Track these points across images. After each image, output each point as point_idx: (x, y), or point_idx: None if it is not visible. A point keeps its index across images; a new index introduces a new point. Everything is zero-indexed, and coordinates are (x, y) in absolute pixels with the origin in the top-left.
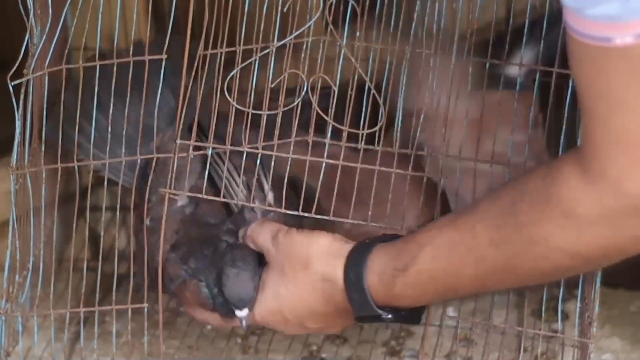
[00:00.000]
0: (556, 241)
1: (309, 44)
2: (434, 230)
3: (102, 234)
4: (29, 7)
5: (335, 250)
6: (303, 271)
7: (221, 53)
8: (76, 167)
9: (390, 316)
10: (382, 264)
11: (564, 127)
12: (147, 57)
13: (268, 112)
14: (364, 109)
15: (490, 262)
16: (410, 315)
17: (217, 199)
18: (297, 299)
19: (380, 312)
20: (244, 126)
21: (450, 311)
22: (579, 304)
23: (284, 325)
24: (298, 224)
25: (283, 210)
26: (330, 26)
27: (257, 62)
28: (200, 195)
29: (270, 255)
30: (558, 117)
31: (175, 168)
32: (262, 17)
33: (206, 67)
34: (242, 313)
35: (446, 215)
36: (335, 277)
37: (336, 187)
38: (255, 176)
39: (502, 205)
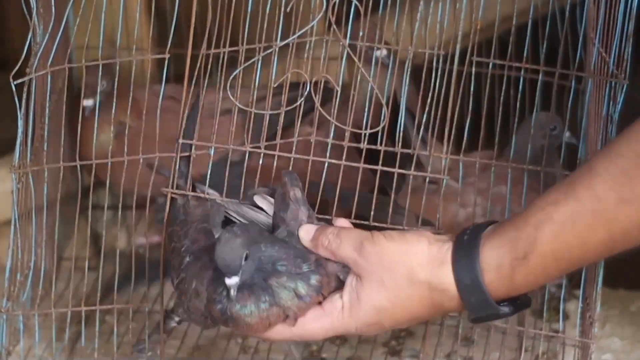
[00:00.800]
0: None
1: (312, 44)
2: (548, 207)
3: (103, 233)
4: (32, 7)
5: (436, 255)
6: (408, 283)
7: (224, 53)
8: (78, 167)
9: (508, 310)
10: (498, 257)
11: (566, 127)
12: (150, 56)
13: (271, 112)
14: (365, 110)
15: (623, 221)
16: (525, 301)
17: (220, 198)
18: (403, 311)
19: (501, 308)
20: (246, 125)
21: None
22: (580, 304)
23: (376, 331)
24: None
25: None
26: (333, 26)
27: (259, 62)
28: (202, 195)
29: (359, 267)
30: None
31: (177, 168)
32: (265, 17)
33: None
34: (230, 281)
35: (553, 189)
36: (445, 285)
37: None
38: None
39: (624, 162)
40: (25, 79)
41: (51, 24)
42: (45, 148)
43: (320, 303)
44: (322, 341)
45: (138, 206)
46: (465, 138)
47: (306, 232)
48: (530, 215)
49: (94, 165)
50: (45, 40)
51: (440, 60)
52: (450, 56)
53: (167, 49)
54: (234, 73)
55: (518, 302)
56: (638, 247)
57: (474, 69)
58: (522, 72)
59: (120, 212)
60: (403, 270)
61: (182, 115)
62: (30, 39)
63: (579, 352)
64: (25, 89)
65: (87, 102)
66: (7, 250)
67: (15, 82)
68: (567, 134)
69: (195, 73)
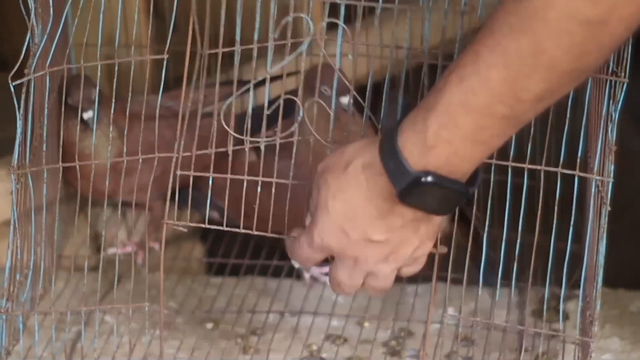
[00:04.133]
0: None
1: (308, 44)
2: (454, 64)
3: (103, 232)
4: (30, 7)
5: (371, 141)
6: (344, 171)
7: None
8: (77, 166)
9: (430, 178)
10: (412, 116)
11: (566, 125)
12: (148, 57)
13: (268, 112)
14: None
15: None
16: (455, 183)
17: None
18: (347, 202)
19: (418, 173)
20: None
21: (451, 310)
22: (580, 303)
23: (349, 245)
24: None
25: None
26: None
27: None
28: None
29: (314, 198)
30: (558, 114)
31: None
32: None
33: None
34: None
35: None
36: (373, 158)
37: None
38: None
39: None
40: (24, 79)
41: (49, 24)
42: (44, 148)
43: None
44: (322, 341)
45: (137, 205)
46: None
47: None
48: (441, 78)
49: (93, 166)
50: (43, 41)
51: (440, 59)
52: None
53: (166, 49)
54: (229, 100)
55: (444, 177)
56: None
57: None
58: None
59: (119, 212)
60: (339, 164)
61: (180, 117)
62: (29, 40)
63: (579, 350)
64: (24, 90)
65: (87, 115)
66: (6, 250)
67: (14, 83)
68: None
69: (195, 72)
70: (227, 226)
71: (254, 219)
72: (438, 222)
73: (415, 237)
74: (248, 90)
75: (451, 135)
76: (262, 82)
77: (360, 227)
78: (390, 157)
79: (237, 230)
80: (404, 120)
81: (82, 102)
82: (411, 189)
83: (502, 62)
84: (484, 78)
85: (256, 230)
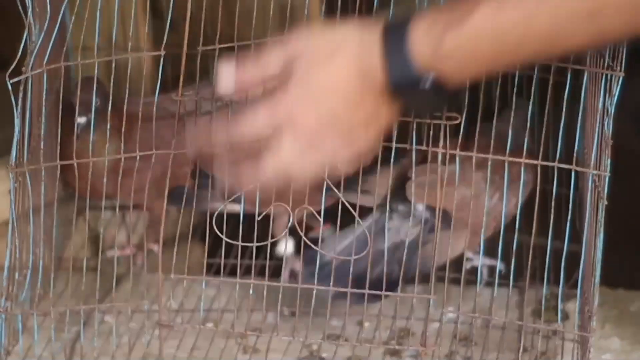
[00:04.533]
0: None
1: None
2: None
3: (101, 232)
4: (27, 5)
5: (369, 22)
6: (334, 53)
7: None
8: (75, 165)
9: (429, 84)
10: (432, 17)
11: (562, 122)
12: (145, 54)
13: None
14: None
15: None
16: (445, 92)
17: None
18: (328, 82)
19: (421, 75)
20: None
21: (451, 310)
22: (578, 299)
23: (317, 127)
24: None
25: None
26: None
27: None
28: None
29: (287, 73)
30: (557, 112)
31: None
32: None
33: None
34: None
35: None
36: (372, 42)
37: None
38: None
39: None
40: (21, 77)
41: (47, 22)
42: (42, 147)
43: None
44: (322, 341)
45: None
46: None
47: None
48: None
49: (91, 164)
50: (40, 39)
51: None
52: None
53: (163, 46)
54: None
55: (441, 87)
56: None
57: None
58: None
59: (117, 211)
60: (329, 44)
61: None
62: (26, 38)
63: (578, 347)
64: (21, 88)
65: (80, 120)
66: (5, 250)
67: (11, 81)
68: None
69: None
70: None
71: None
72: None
73: (381, 115)
74: None
75: (470, 57)
76: None
77: (334, 108)
78: (396, 49)
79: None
80: (415, 19)
81: (79, 107)
82: (407, 87)
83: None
84: (526, 15)
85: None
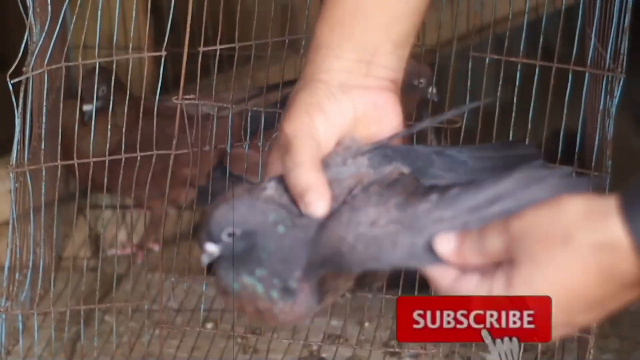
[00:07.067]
0: None
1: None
2: None
3: (102, 232)
4: (28, 6)
5: (596, 208)
6: (562, 249)
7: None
8: (76, 165)
9: None
10: None
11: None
12: (146, 54)
13: (266, 110)
14: None
15: None
16: None
17: None
18: (563, 288)
19: None
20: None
21: None
22: None
23: (561, 330)
24: None
25: None
26: None
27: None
28: None
29: (511, 250)
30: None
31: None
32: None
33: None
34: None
35: None
36: (613, 239)
37: None
38: None
39: None
40: (22, 77)
41: (47, 22)
42: (42, 147)
43: None
44: (322, 341)
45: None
46: (462, 133)
47: (447, 242)
48: None
49: (91, 164)
50: (41, 39)
51: (437, 56)
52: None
53: (164, 46)
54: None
55: None
56: None
57: (470, 64)
58: (519, 67)
59: (118, 211)
60: (554, 235)
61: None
62: (27, 38)
63: (578, 346)
64: (22, 88)
65: (87, 107)
66: (5, 250)
67: (12, 81)
68: (432, 89)
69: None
70: None
71: None
72: None
73: (621, 304)
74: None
75: None
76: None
77: (570, 312)
78: None
79: None
80: None
81: (84, 94)
82: None
83: None
84: None
85: None
